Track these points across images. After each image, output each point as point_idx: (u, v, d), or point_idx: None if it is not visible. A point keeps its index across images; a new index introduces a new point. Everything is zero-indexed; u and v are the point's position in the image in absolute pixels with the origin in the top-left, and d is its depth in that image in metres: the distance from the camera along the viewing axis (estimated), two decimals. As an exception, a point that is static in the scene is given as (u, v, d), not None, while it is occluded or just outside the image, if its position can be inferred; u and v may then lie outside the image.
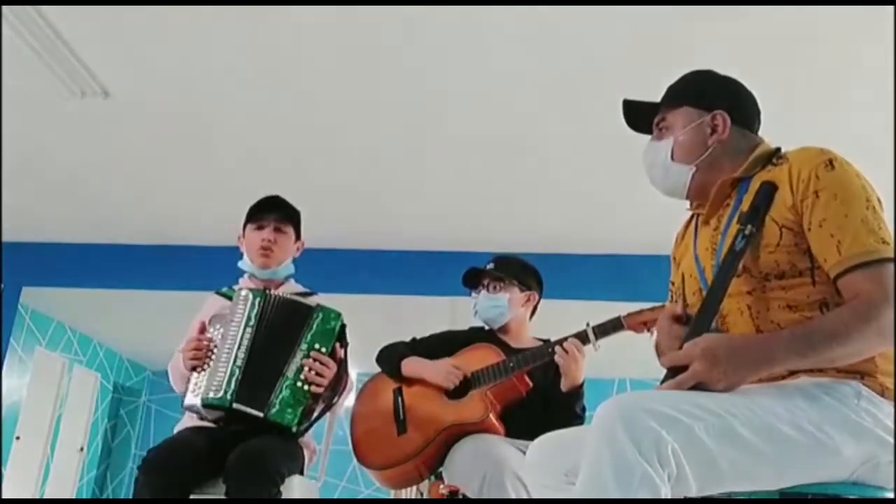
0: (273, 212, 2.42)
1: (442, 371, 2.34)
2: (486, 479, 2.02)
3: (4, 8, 3.03)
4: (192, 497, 2.01)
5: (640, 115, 1.62)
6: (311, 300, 2.33)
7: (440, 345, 2.50)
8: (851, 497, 1.26)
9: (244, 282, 2.44)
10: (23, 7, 3.04)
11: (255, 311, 2.19)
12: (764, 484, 1.23)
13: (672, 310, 1.48)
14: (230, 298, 2.27)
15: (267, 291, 2.26)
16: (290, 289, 2.43)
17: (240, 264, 2.44)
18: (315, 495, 2.32)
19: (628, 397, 1.19)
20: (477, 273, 2.56)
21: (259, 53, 3.36)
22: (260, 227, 2.40)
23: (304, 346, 2.17)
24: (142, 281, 5.56)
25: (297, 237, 2.48)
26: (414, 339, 2.55)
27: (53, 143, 4.20)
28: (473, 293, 2.58)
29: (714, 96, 1.53)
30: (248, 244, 2.42)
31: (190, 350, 2.17)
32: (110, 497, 8.83)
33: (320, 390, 2.14)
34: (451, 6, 2.97)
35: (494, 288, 2.52)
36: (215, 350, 2.16)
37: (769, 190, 1.37)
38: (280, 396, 2.09)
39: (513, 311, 2.53)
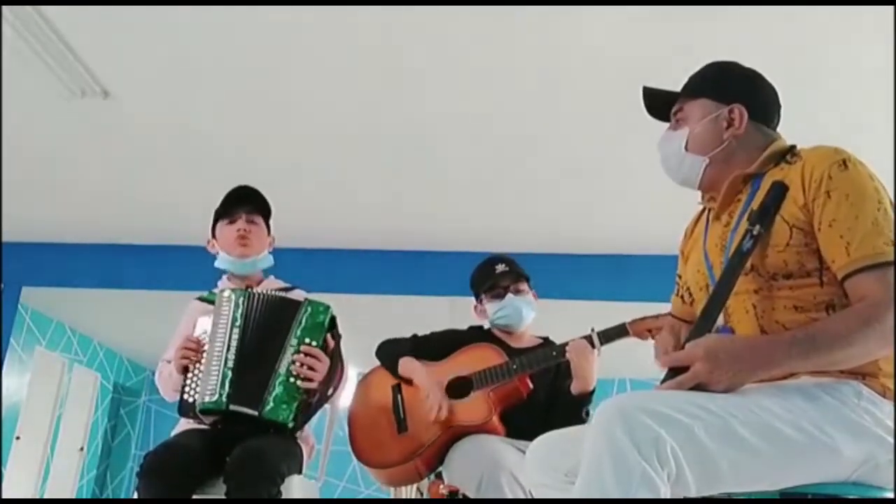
0: (243, 205, 2.40)
1: (429, 392, 2.30)
2: (484, 480, 2.02)
3: (4, 8, 3.02)
4: (193, 497, 2.00)
5: (659, 103, 1.61)
6: (294, 295, 2.32)
7: (440, 344, 2.48)
8: (851, 497, 1.26)
9: (223, 283, 2.42)
10: (23, 7, 3.03)
11: (239, 310, 2.17)
12: (764, 484, 1.23)
13: (677, 332, 1.48)
14: (212, 303, 2.25)
15: (250, 290, 2.25)
16: (271, 285, 2.40)
17: (217, 264, 2.41)
18: (315, 495, 2.31)
19: (627, 397, 1.19)
20: (501, 275, 2.50)
21: (259, 53, 3.36)
22: (232, 222, 2.38)
23: (294, 342, 2.15)
24: (142, 281, 5.55)
25: (269, 231, 2.46)
26: (415, 336, 2.54)
27: (53, 143, 4.20)
28: (489, 296, 2.52)
29: (733, 89, 1.52)
30: (223, 239, 2.38)
31: (181, 349, 2.16)
32: (110, 497, 8.82)
33: (313, 385, 2.12)
34: (449, 6, 2.97)
35: (519, 290, 2.51)
36: (205, 353, 2.14)
37: (780, 190, 1.36)
38: (274, 394, 2.08)
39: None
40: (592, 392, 2.32)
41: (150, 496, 1.93)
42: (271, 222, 2.48)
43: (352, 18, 3.08)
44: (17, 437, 6.88)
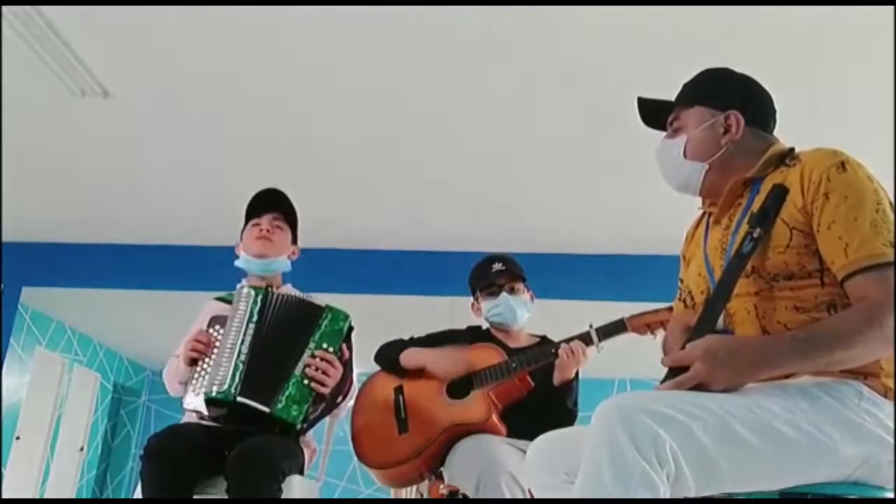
0: (270, 210, 2.42)
1: (444, 361, 2.32)
2: (482, 479, 2.02)
3: (4, 8, 3.03)
4: (193, 497, 2.01)
5: (654, 112, 1.62)
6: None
7: (438, 344, 2.49)
8: (851, 497, 1.26)
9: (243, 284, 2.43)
10: (23, 7, 3.04)
11: (257, 307, 2.18)
12: (763, 484, 1.23)
13: (686, 320, 1.48)
14: (230, 303, 2.25)
15: (269, 289, 2.25)
16: (290, 291, 2.42)
17: (237, 263, 2.42)
18: (315, 495, 2.31)
19: (627, 397, 1.19)
20: (497, 274, 2.51)
21: (258, 53, 3.36)
22: (257, 224, 2.40)
23: (311, 345, 2.15)
24: (142, 281, 5.56)
25: (294, 240, 2.47)
26: (411, 338, 2.55)
27: (53, 143, 4.20)
28: (484, 294, 2.53)
29: (728, 96, 1.52)
30: (246, 239, 2.41)
31: (191, 341, 2.15)
32: (110, 497, 8.83)
33: (326, 389, 2.12)
34: (446, 6, 2.97)
35: (514, 289, 2.51)
36: (217, 347, 2.14)
37: (780, 193, 1.37)
38: (287, 393, 2.08)
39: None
40: (572, 380, 2.34)
41: (153, 479, 1.93)
42: (298, 233, 2.49)
43: (353, 18, 3.08)
44: (17, 437, 6.89)
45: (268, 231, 2.37)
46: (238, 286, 2.33)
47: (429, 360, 2.37)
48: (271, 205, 2.43)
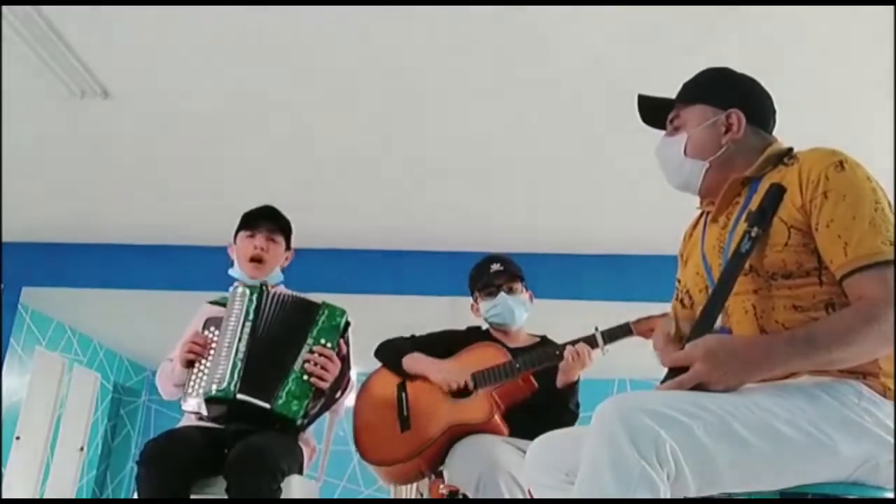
0: (266, 221, 2.43)
1: (445, 373, 2.33)
2: (482, 480, 2.02)
3: (4, 8, 3.03)
4: (192, 497, 2.01)
5: (654, 110, 1.61)
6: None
7: (439, 344, 2.50)
8: (851, 497, 1.26)
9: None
10: (23, 7, 3.04)
11: (252, 305, 2.19)
12: (763, 484, 1.23)
13: (666, 330, 1.49)
14: (224, 306, 2.26)
15: (263, 287, 2.26)
16: (281, 292, 2.42)
17: (230, 272, 2.44)
18: (315, 495, 2.32)
19: (627, 397, 1.19)
20: (496, 274, 2.52)
21: (258, 53, 3.36)
22: (252, 236, 2.41)
23: (310, 341, 2.17)
24: (142, 281, 5.56)
25: (288, 247, 2.49)
26: (413, 336, 2.55)
27: (53, 143, 4.20)
28: (482, 294, 2.54)
29: (729, 95, 1.52)
30: (240, 251, 2.42)
31: (187, 343, 2.16)
32: (110, 497, 8.83)
33: (325, 384, 2.13)
34: (446, 6, 2.97)
35: (513, 289, 2.51)
36: (214, 348, 2.15)
37: (777, 192, 1.37)
38: (287, 388, 2.09)
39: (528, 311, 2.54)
40: (576, 382, 2.35)
41: (150, 485, 1.93)
42: (292, 239, 2.50)
43: (350, 19, 3.08)
44: (17, 437, 6.89)
45: (262, 249, 2.37)
46: (232, 287, 2.34)
47: (431, 371, 2.36)
48: (267, 216, 2.44)
